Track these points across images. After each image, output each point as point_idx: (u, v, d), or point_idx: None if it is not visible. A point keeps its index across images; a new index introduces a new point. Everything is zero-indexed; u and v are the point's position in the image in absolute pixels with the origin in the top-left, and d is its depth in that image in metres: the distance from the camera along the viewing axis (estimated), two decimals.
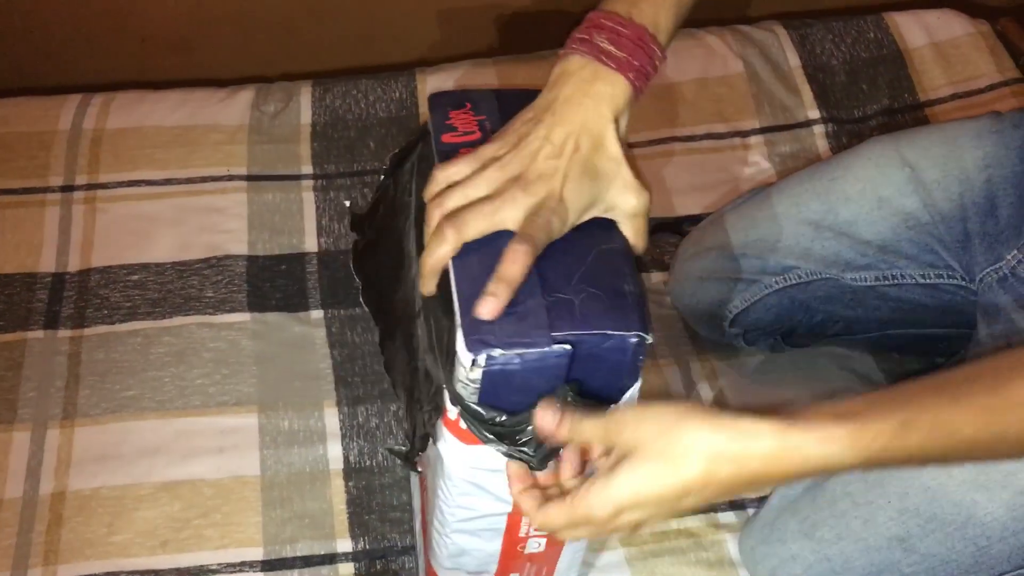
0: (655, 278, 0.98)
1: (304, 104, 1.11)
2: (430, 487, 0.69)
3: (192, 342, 0.92)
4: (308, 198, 1.04)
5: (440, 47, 1.23)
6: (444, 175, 0.60)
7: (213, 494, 0.82)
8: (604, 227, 0.61)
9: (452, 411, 0.59)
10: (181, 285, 0.96)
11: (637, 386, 0.60)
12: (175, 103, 1.10)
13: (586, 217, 0.60)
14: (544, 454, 0.59)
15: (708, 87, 1.13)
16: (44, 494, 0.81)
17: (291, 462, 0.85)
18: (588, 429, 0.57)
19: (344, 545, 0.81)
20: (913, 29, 1.16)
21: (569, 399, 0.58)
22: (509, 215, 0.58)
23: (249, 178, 1.05)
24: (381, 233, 0.74)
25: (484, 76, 1.14)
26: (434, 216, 0.59)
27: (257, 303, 0.95)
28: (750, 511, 0.83)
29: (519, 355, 0.55)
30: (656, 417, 0.57)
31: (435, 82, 1.13)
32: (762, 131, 1.10)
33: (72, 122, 1.07)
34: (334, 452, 0.86)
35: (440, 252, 0.58)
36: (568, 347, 0.56)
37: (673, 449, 0.55)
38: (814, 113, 1.11)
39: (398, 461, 0.84)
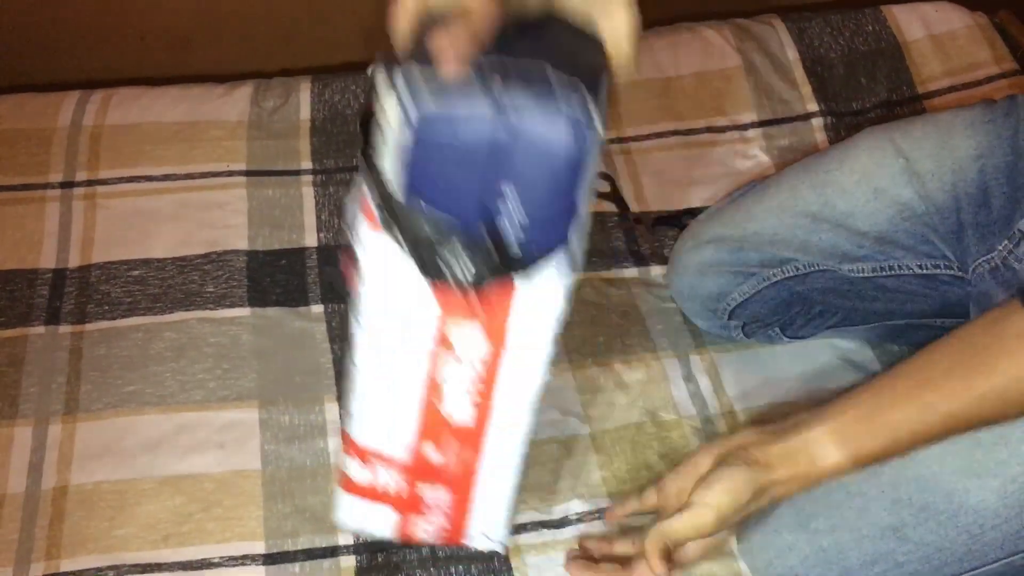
0: (654, 271, 0.99)
1: (303, 100, 1.12)
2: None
3: (193, 337, 0.92)
4: (308, 193, 1.04)
5: None
6: None
7: (215, 488, 0.83)
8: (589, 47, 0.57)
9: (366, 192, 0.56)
10: (182, 280, 0.96)
11: (579, 226, 0.57)
12: (174, 99, 1.11)
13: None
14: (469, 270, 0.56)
15: (707, 81, 1.13)
16: (46, 489, 0.82)
17: (292, 456, 0.85)
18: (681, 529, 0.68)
19: (345, 538, 0.81)
20: (911, 21, 1.16)
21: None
22: None
23: (249, 173, 1.05)
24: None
25: None
26: None
27: (257, 298, 0.95)
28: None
29: (452, 117, 0.52)
30: (731, 491, 0.67)
31: None
32: (761, 124, 1.10)
33: (72, 118, 1.08)
34: (335, 446, 0.86)
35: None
36: (510, 113, 0.51)
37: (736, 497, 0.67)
38: (812, 106, 1.11)
39: None
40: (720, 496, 0.66)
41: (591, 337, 0.93)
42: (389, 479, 0.70)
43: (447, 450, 0.68)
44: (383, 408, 0.67)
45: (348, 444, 0.71)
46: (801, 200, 0.85)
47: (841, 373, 0.91)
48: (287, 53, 1.22)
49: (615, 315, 0.95)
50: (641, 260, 0.99)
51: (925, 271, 0.80)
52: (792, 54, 1.15)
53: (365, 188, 0.57)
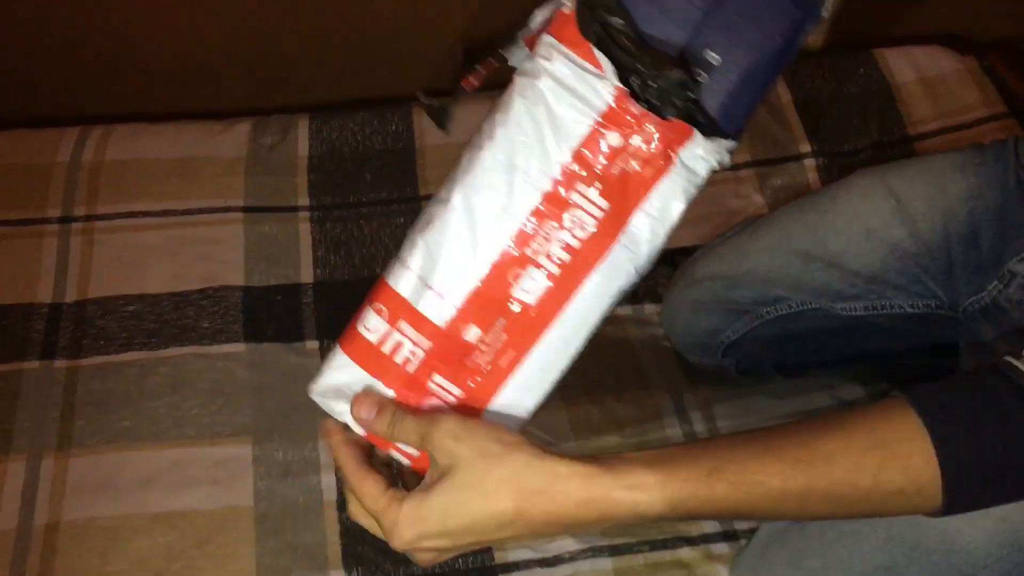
0: (648, 309, 0.99)
1: (301, 136, 1.13)
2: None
3: (187, 372, 0.92)
4: (304, 229, 1.05)
5: (437, 80, 1.25)
6: None
7: (207, 524, 0.82)
8: None
9: (567, 5, 0.56)
10: (177, 316, 0.97)
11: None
12: (173, 135, 1.12)
13: None
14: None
15: None
16: (38, 524, 0.81)
17: (285, 493, 0.85)
18: (409, 430, 0.57)
19: (337, 573, 0.81)
20: (902, 65, 1.18)
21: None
22: None
23: (246, 209, 1.06)
24: None
25: (480, 109, 1.15)
26: None
27: (253, 334, 0.96)
28: (743, 542, 0.83)
29: None
30: (479, 441, 0.56)
31: None
32: (754, 164, 1.12)
33: (71, 154, 1.08)
34: (328, 483, 0.86)
35: None
36: None
37: (487, 479, 0.55)
38: (805, 147, 1.12)
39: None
40: (460, 445, 0.56)
41: (585, 374, 0.93)
42: (409, 348, 0.60)
43: (489, 335, 0.60)
44: (452, 254, 0.60)
45: (379, 292, 0.62)
46: (794, 239, 0.85)
47: (832, 410, 0.91)
48: (285, 90, 1.24)
49: (609, 352, 0.95)
50: (635, 298, 1.00)
51: (917, 310, 0.81)
52: (785, 95, 1.16)
53: (567, 8, 0.57)
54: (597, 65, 0.57)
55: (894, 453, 0.56)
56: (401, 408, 0.59)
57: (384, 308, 0.61)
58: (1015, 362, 0.57)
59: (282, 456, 0.87)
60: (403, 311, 0.60)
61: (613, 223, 0.59)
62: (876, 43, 1.22)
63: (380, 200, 1.08)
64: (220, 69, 1.22)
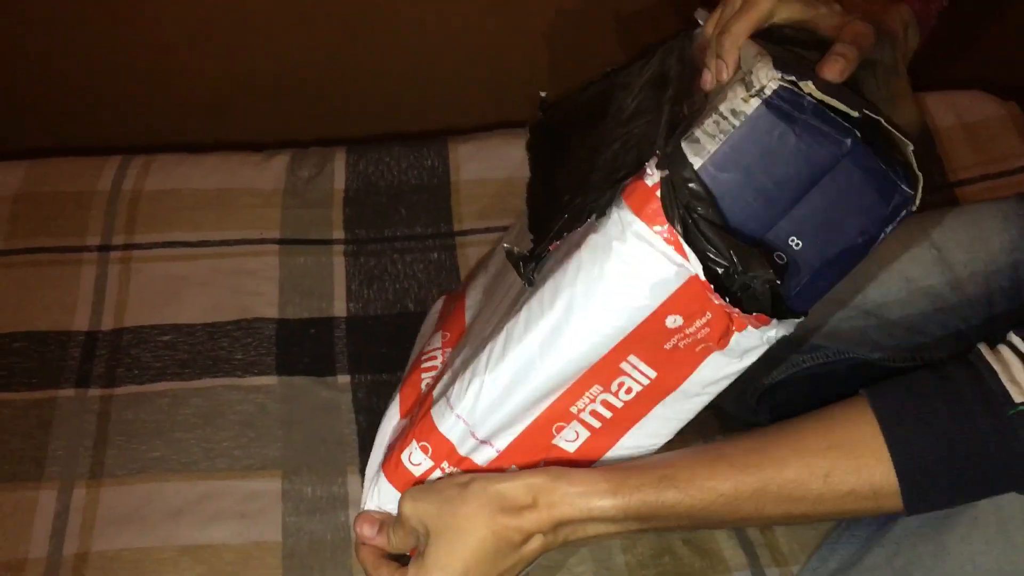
0: None
1: (338, 169, 1.14)
2: (499, 305, 0.64)
3: (219, 404, 0.93)
4: (339, 263, 1.05)
5: (473, 115, 1.26)
6: None
7: (234, 559, 0.82)
8: None
9: (652, 176, 0.54)
10: (211, 347, 0.97)
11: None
12: (213, 166, 1.13)
13: None
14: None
15: None
16: (68, 554, 0.82)
17: (312, 529, 0.85)
18: (399, 533, 0.64)
19: None
20: (942, 109, 1.17)
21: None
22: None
23: (281, 242, 1.06)
24: (580, 109, 0.72)
25: (516, 144, 1.16)
26: None
27: (285, 366, 0.96)
28: None
29: (814, 107, 0.53)
30: (437, 494, 0.62)
31: (467, 150, 1.15)
32: None
33: (112, 183, 1.10)
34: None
35: (758, 10, 0.60)
36: (856, 140, 0.53)
37: (456, 520, 0.60)
38: None
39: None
40: (423, 505, 0.63)
41: None
42: None
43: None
44: (499, 408, 0.62)
45: (425, 429, 0.65)
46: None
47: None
48: (324, 123, 1.25)
49: None
50: None
51: None
52: None
53: (650, 180, 0.55)
54: (679, 250, 0.56)
55: (846, 454, 0.57)
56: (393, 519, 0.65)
57: (429, 447, 0.65)
58: (985, 352, 0.57)
59: (311, 492, 0.87)
60: (448, 454, 0.65)
61: (659, 389, 0.62)
62: (916, 87, 1.20)
63: (414, 235, 1.08)
64: (260, 101, 1.24)
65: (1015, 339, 0.58)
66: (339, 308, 1.01)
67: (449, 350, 0.75)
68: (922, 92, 1.20)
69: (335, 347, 0.98)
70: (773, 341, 0.60)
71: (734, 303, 0.56)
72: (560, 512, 0.61)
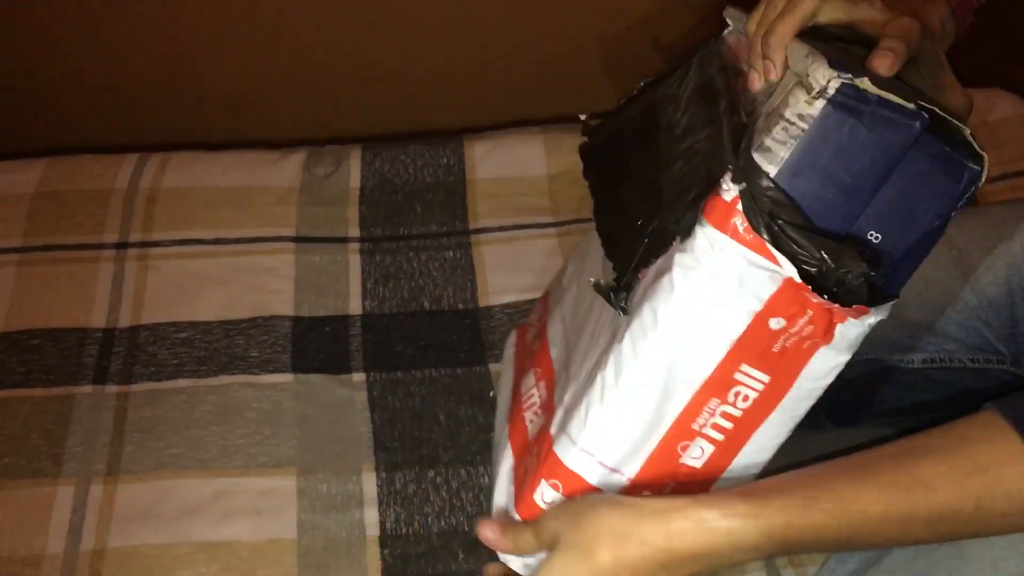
0: None
1: (354, 167, 1.14)
2: (595, 337, 0.65)
3: (236, 402, 0.93)
4: (354, 260, 1.05)
5: (489, 113, 1.25)
6: None
7: (249, 556, 0.82)
8: None
9: (730, 191, 0.55)
10: (227, 344, 0.97)
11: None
12: (229, 164, 1.13)
13: None
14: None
15: None
16: (84, 550, 0.82)
17: (328, 527, 0.85)
18: (526, 537, 0.61)
19: None
20: None
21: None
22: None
23: (297, 239, 1.07)
24: (625, 128, 0.73)
25: (532, 143, 1.16)
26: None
27: (300, 364, 0.96)
28: None
29: (877, 99, 0.54)
30: (571, 507, 0.60)
31: (483, 148, 1.15)
32: None
33: (130, 180, 1.10)
34: (371, 518, 0.85)
35: (803, 10, 0.60)
36: (924, 121, 0.54)
37: (583, 537, 0.57)
38: None
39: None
40: (558, 520, 0.60)
41: None
42: None
43: (667, 489, 0.65)
44: (620, 435, 0.63)
45: (551, 465, 0.65)
46: None
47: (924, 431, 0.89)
48: (340, 121, 1.25)
49: None
50: None
51: (977, 365, 0.79)
52: None
53: (728, 194, 0.56)
54: (769, 257, 0.56)
55: (996, 478, 0.55)
56: (519, 523, 0.63)
57: (560, 484, 0.65)
58: None
59: (326, 489, 0.87)
60: (578, 485, 0.64)
61: (774, 392, 0.62)
62: None
63: (429, 233, 1.08)
64: (276, 99, 1.24)
65: None
66: (354, 306, 1.02)
67: (543, 384, 0.76)
68: None
69: (350, 345, 0.98)
70: (873, 326, 0.61)
71: (832, 299, 0.57)
72: (692, 540, 0.56)
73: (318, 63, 1.22)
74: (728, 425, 0.63)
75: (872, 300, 0.58)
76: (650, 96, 0.72)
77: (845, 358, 0.62)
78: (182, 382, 0.94)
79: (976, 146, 0.57)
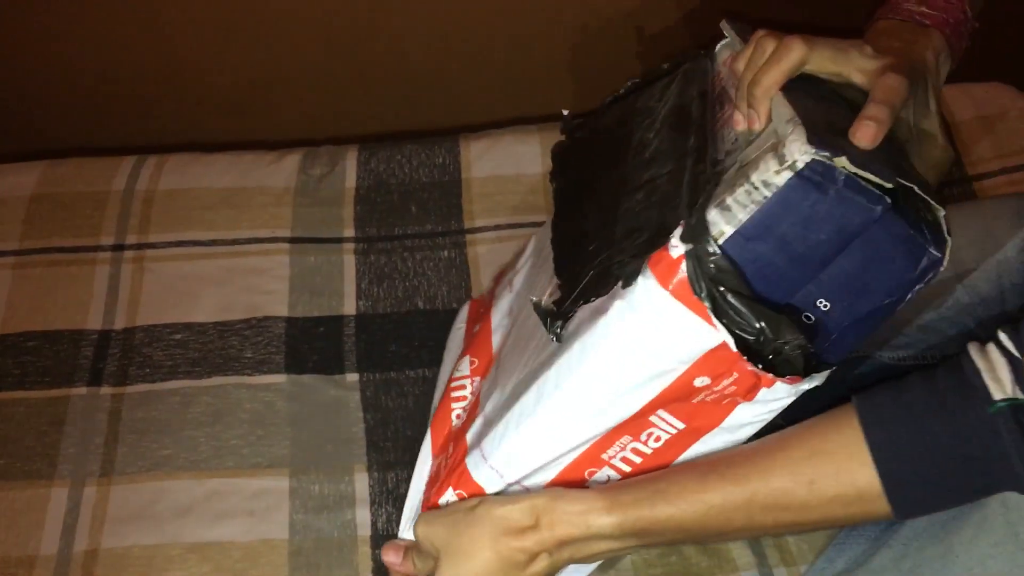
0: None
1: (350, 168, 1.14)
2: (531, 347, 0.66)
3: (229, 403, 0.93)
4: (349, 261, 1.05)
5: (484, 112, 1.25)
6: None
7: (241, 557, 0.83)
8: None
9: (677, 248, 0.55)
10: (222, 345, 0.98)
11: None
12: (225, 165, 1.13)
13: None
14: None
15: None
16: (78, 551, 0.83)
17: (320, 527, 0.85)
18: (420, 557, 0.66)
19: None
20: (961, 102, 1.15)
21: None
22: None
23: (292, 240, 1.07)
24: (601, 135, 0.74)
25: (527, 142, 1.15)
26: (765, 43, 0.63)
27: (294, 365, 0.96)
28: None
29: (846, 178, 0.53)
30: (447, 516, 0.65)
31: (478, 148, 1.15)
32: None
33: (126, 183, 1.11)
34: (362, 518, 0.86)
35: (789, 61, 0.61)
36: (886, 207, 0.54)
37: (463, 541, 0.62)
38: None
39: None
40: (435, 529, 0.66)
41: None
42: None
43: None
44: (531, 459, 0.65)
45: (461, 479, 0.68)
46: None
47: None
48: (336, 121, 1.25)
49: None
50: None
51: None
52: None
53: (675, 251, 0.57)
54: (706, 319, 0.57)
55: (829, 459, 0.58)
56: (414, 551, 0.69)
57: (464, 495, 0.68)
58: (973, 351, 0.57)
59: (318, 490, 0.87)
60: (470, 488, 0.67)
61: (687, 436, 0.63)
62: None
63: (424, 233, 1.08)
64: (273, 100, 1.24)
65: (1002, 337, 0.58)
66: (348, 306, 1.02)
67: (478, 379, 0.78)
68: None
69: (344, 345, 0.98)
70: (803, 392, 0.61)
71: (768, 368, 0.58)
72: (561, 531, 0.62)
73: (314, 64, 1.22)
74: (637, 460, 0.65)
75: (808, 370, 0.59)
76: (631, 103, 0.72)
77: (768, 413, 0.62)
78: (176, 383, 0.95)
79: (945, 230, 0.57)
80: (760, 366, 0.57)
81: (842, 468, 0.57)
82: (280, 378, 0.95)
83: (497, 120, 1.20)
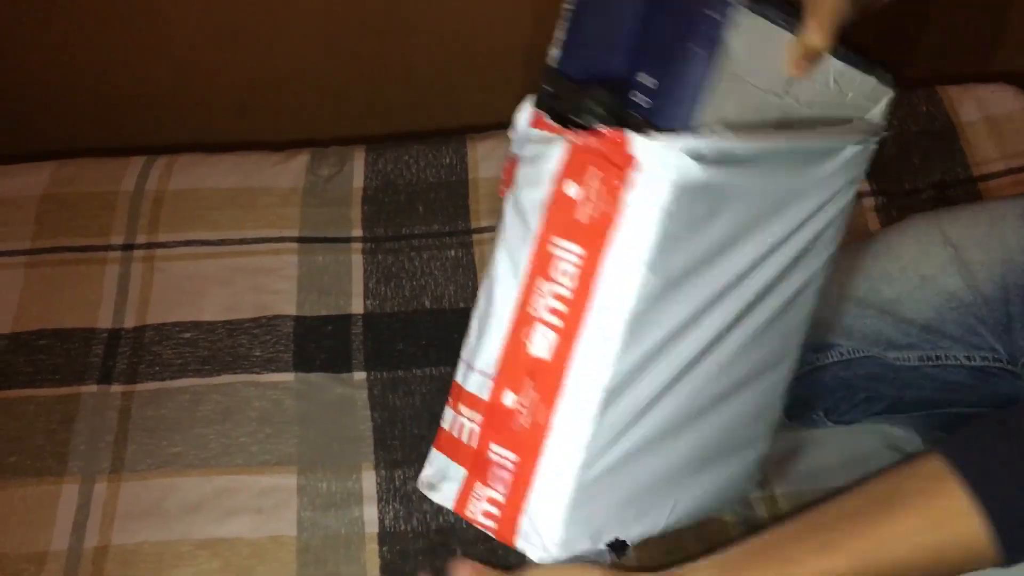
0: None
1: (357, 168, 1.14)
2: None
3: (238, 401, 0.94)
4: (356, 260, 1.06)
5: (491, 113, 1.26)
6: None
7: (250, 553, 0.83)
8: None
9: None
10: (231, 344, 0.99)
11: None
12: (234, 165, 1.14)
13: None
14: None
15: None
16: (88, 547, 0.83)
17: (327, 524, 0.86)
18: None
19: None
20: (967, 103, 1.15)
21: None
22: None
23: (300, 240, 1.07)
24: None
25: None
26: None
27: (302, 363, 0.97)
28: None
29: None
30: (556, 571, 0.63)
31: (485, 148, 1.16)
32: None
33: (136, 183, 1.12)
34: (370, 515, 0.86)
35: None
36: None
37: None
38: (864, 186, 1.10)
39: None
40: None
41: None
42: (468, 426, 0.67)
43: (523, 396, 0.64)
44: (481, 334, 0.66)
45: (455, 396, 0.68)
46: (847, 285, 0.84)
47: (887, 459, 0.89)
48: (343, 122, 1.26)
49: None
50: None
51: (973, 363, 0.79)
52: None
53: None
54: (548, 128, 0.62)
55: (949, 533, 0.59)
56: (489, 570, 0.67)
57: (450, 398, 0.69)
58: None
59: (326, 487, 0.88)
60: (459, 395, 0.67)
61: (591, 267, 0.62)
62: (940, 80, 1.19)
63: (431, 233, 1.09)
64: (280, 101, 1.25)
65: None
66: (356, 305, 1.02)
67: None
68: (945, 85, 1.18)
69: (352, 344, 0.99)
70: (684, 181, 0.59)
71: (579, 126, 0.61)
72: None
73: (321, 65, 1.22)
74: (562, 308, 0.63)
75: (637, 128, 0.60)
76: None
77: (656, 217, 0.60)
78: (186, 381, 0.95)
79: None
80: (576, 128, 0.61)
81: (960, 535, 0.58)
82: (288, 376, 0.96)
83: (504, 120, 1.20)
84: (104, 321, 1.00)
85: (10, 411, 0.92)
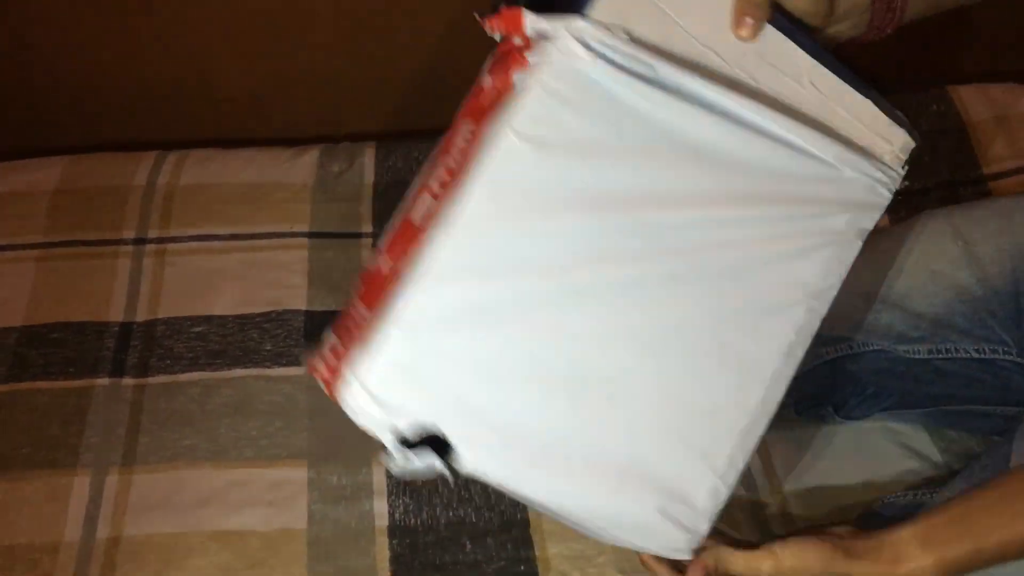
0: None
1: (368, 164, 1.15)
2: None
3: (249, 394, 0.94)
4: (367, 256, 1.07)
5: None
6: None
7: (261, 546, 0.84)
8: None
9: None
10: (242, 338, 0.99)
11: None
12: (245, 161, 1.15)
13: None
14: None
15: None
16: (100, 539, 0.84)
17: (338, 517, 0.86)
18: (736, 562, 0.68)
19: None
20: (977, 103, 1.15)
21: None
22: None
23: (311, 235, 1.08)
24: None
25: None
26: None
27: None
28: None
29: None
30: (798, 554, 0.67)
31: None
32: None
33: (148, 178, 1.12)
34: (380, 508, 0.87)
35: None
36: None
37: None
38: None
39: None
40: (786, 550, 0.67)
41: None
42: (353, 298, 0.68)
43: (392, 258, 0.65)
44: (392, 216, 0.69)
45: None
46: (857, 279, 0.83)
47: (895, 456, 0.89)
48: (355, 118, 1.26)
49: None
50: None
51: (983, 356, 0.79)
52: None
53: None
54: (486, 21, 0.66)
55: None
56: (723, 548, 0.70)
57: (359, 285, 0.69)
58: None
59: (336, 480, 0.88)
60: (363, 276, 0.68)
61: (477, 141, 0.63)
62: (950, 80, 1.19)
63: None
64: (292, 97, 1.25)
65: None
66: None
67: None
68: (956, 85, 1.18)
69: None
70: (565, 63, 0.60)
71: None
72: None
73: (332, 62, 1.23)
74: (447, 178, 0.64)
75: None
76: None
77: (530, 88, 0.61)
78: (197, 375, 0.96)
79: None
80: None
81: None
82: (299, 370, 0.96)
83: None
84: (116, 315, 1.01)
85: (23, 403, 0.93)
